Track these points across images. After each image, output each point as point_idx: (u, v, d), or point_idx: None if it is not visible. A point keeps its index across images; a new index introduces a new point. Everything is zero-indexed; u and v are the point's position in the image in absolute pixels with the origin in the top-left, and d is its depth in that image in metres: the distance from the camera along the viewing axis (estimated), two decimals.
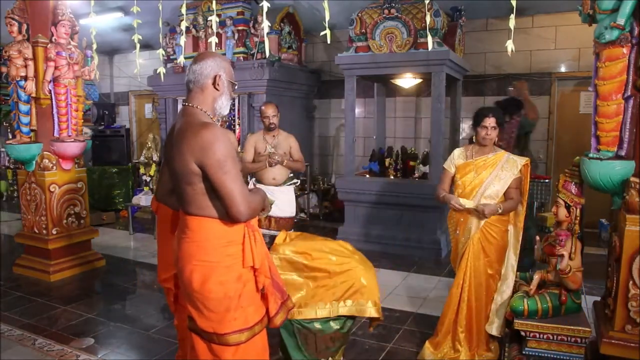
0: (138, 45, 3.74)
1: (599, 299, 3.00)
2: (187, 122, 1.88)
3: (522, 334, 2.70)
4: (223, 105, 2.00)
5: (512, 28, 2.61)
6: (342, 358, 2.80)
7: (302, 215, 7.20)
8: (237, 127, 6.86)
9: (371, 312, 2.65)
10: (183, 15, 3.58)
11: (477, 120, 2.99)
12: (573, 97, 6.39)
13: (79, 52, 4.80)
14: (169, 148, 1.95)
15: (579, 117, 6.26)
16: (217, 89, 1.96)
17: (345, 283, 2.62)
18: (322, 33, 2.89)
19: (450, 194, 3.10)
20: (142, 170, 8.06)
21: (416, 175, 5.96)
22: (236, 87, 2.09)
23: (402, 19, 5.38)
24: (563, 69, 6.33)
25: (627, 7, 2.37)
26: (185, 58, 6.00)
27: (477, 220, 2.98)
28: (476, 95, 6.75)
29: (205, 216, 1.87)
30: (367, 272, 2.70)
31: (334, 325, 2.67)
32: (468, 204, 2.93)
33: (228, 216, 1.84)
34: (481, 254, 2.99)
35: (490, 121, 2.94)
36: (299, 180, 4.62)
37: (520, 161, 2.98)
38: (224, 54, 6.85)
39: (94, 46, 3.93)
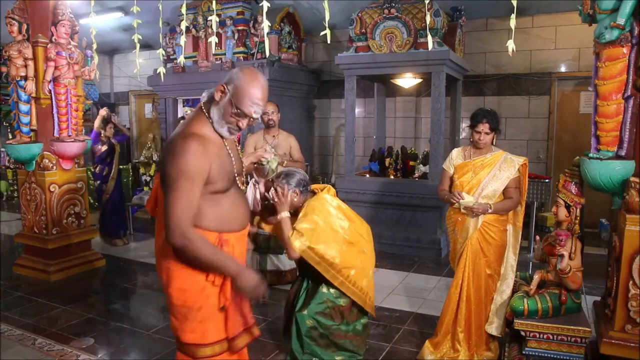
0: (138, 45, 3.74)
1: (599, 299, 3.00)
2: (180, 125, 1.85)
3: (522, 334, 2.70)
4: (214, 119, 1.84)
5: (512, 28, 2.61)
6: None
7: None
8: None
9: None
10: (183, 15, 3.57)
11: (472, 123, 2.99)
12: (573, 97, 6.39)
13: (79, 52, 4.80)
14: None
15: (579, 117, 6.27)
16: (215, 98, 1.83)
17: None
18: (322, 33, 2.88)
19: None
20: (142, 170, 8.08)
21: (416, 175, 5.96)
22: (236, 120, 1.83)
23: (402, 18, 5.38)
24: (563, 69, 6.33)
25: (627, 7, 2.37)
26: (185, 58, 6.00)
27: (474, 220, 2.97)
28: (476, 95, 6.75)
29: None
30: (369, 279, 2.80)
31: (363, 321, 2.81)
32: (468, 198, 2.93)
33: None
34: (480, 253, 2.99)
35: (483, 127, 2.93)
36: None
37: (518, 161, 2.97)
38: (224, 54, 6.86)
39: (94, 46, 3.93)
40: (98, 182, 5.94)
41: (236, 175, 1.93)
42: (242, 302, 1.98)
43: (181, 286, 1.82)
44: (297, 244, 2.53)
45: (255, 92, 1.79)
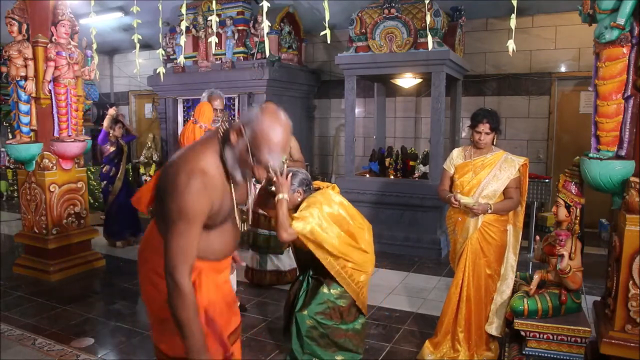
0: (138, 45, 3.74)
1: (599, 299, 3.00)
2: (189, 149, 1.68)
3: (522, 334, 2.70)
4: (228, 162, 1.66)
5: (512, 28, 2.61)
6: None
7: None
8: None
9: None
10: (183, 15, 3.58)
11: (472, 123, 3.00)
12: (573, 97, 6.39)
13: (79, 52, 4.80)
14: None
15: (579, 117, 6.27)
16: (230, 139, 1.63)
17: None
18: (322, 33, 2.89)
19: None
20: (142, 170, 8.08)
21: (416, 175, 5.96)
22: (251, 168, 1.65)
23: (402, 18, 5.38)
24: (563, 69, 6.33)
25: (627, 6, 2.37)
26: (185, 58, 6.00)
27: (475, 220, 2.97)
28: (476, 95, 6.75)
29: (161, 233, 1.72)
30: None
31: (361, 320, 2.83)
32: (467, 200, 2.93)
33: None
34: (480, 253, 2.99)
35: (483, 127, 2.93)
36: None
37: (519, 161, 2.97)
38: (224, 54, 6.86)
39: (94, 46, 3.93)
40: (105, 182, 5.86)
41: (235, 207, 1.81)
42: (221, 330, 1.84)
43: (150, 295, 1.80)
44: (298, 226, 2.53)
45: (275, 137, 1.60)
